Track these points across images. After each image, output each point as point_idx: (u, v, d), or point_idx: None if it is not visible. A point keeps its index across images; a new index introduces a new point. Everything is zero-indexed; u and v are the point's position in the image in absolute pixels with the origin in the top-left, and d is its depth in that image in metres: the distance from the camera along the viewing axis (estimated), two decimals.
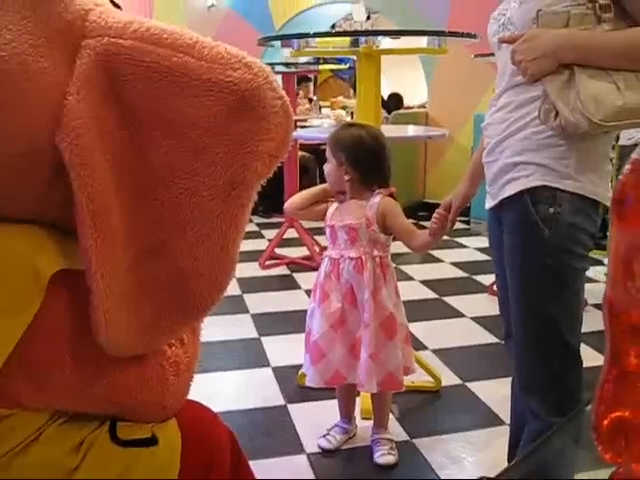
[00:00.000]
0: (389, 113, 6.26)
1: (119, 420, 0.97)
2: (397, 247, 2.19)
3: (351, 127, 2.14)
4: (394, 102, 7.58)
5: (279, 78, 4.88)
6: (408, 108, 7.17)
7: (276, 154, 0.85)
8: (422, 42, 2.63)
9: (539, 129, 1.41)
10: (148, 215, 0.86)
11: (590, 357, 1.59)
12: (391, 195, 2.10)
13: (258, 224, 5.99)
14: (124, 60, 0.80)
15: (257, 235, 5.55)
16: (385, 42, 2.63)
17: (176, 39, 0.81)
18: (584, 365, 1.54)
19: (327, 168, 2.10)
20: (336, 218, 2.12)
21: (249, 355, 3.10)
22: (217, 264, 0.89)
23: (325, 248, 2.24)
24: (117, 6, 0.98)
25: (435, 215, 1.83)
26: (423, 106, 6.72)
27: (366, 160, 2.06)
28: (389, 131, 2.40)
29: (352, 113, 6.92)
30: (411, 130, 2.94)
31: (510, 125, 1.47)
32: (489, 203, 1.60)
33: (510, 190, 1.48)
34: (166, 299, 0.90)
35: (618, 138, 3.42)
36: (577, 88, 1.30)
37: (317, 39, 2.49)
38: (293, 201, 2.18)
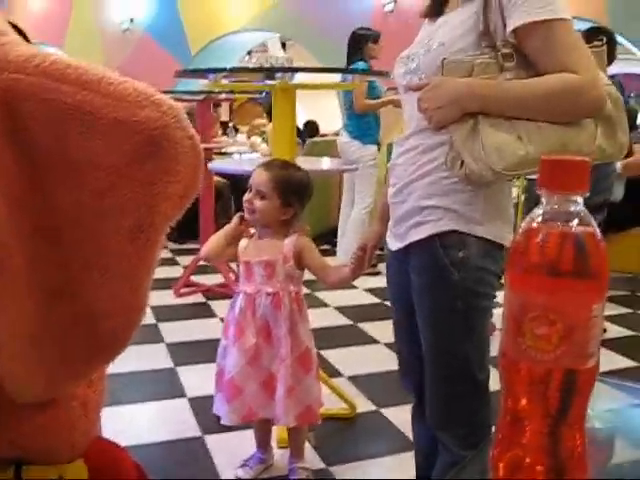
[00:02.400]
0: (304, 141, 6.35)
1: (25, 463, 0.94)
2: (310, 274, 2.22)
3: (289, 167, 2.17)
4: (310, 130, 7.70)
5: (194, 105, 4.89)
6: (324, 135, 7.29)
7: (186, 195, 0.82)
8: (336, 76, 2.71)
9: (447, 174, 1.44)
10: (53, 257, 0.82)
11: (498, 381, 1.66)
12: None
13: (172, 250, 5.94)
14: (25, 97, 0.76)
15: (171, 262, 5.50)
16: (300, 75, 2.69)
17: (81, 75, 0.77)
18: (493, 389, 1.60)
19: (263, 205, 2.06)
20: (251, 254, 2.13)
21: (164, 386, 3.06)
22: (126, 307, 0.85)
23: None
24: (23, 34, 0.93)
25: (352, 256, 1.87)
26: (337, 133, 6.83)
27: (306, 201, 2.13)
28: (304, 164, 2.45)
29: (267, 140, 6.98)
30: (325, 163, 3.00)
31: (418, 168, 1.50)
32: (393, 244, 1.62)
33: (419, 234, 1.51)
34: (74, 343, 0.87)
35: None
36: (481, 138, 1.33)
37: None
38: (209, 247, 2.17)
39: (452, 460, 1.59)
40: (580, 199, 0.57)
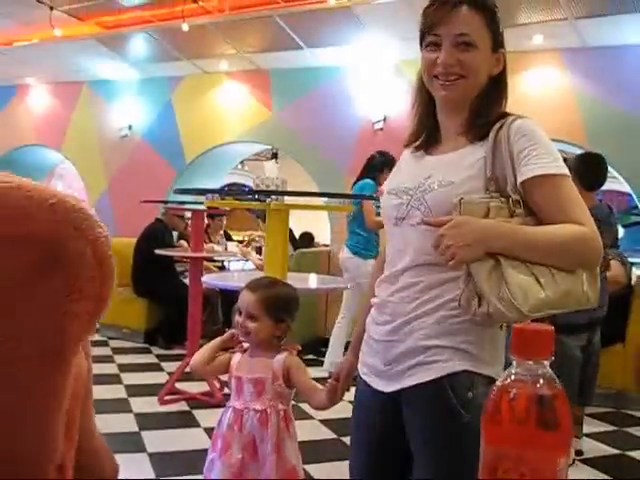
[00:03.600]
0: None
1: None
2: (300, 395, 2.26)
3: (278, 284, 2.24)
4: (305, 240, 7.91)
5: (189, 214, 5.02)
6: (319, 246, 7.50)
7: (96, 311, 0.72)
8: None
9: (453, 313, 1.44)
10: None
11: None
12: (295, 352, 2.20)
13: (158, 355, 5.92)
14: None
15: (156, 367, 5.47)
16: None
17: None
18: None
19: (256, 327, 2.11)
20: (243, 370, 2.17)
21: None
22: (36, 443, 0.74)
23: (225, 383, 2.26)
24: None
25: (327, 385, 1.91)
26: (326, 245, 7.01)
27: (295, 313, 2.20)
28: (295, 282, 2.53)
29: (259, 248, 7.12)
30: (314, 281, 3.10)
31: (419, 306, 1.48)
32: (381, 385, 1.57)
33: (426, 375, 1.48)
34: None
35: None
36: (505, 278, 1.33)
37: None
38: (196, 359, 2.23)
39: None
40: (546, 362, 0.65)
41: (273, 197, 2.48)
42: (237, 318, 2.15)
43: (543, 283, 1.34)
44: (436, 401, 1.47)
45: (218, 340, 2.25)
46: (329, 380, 1.92)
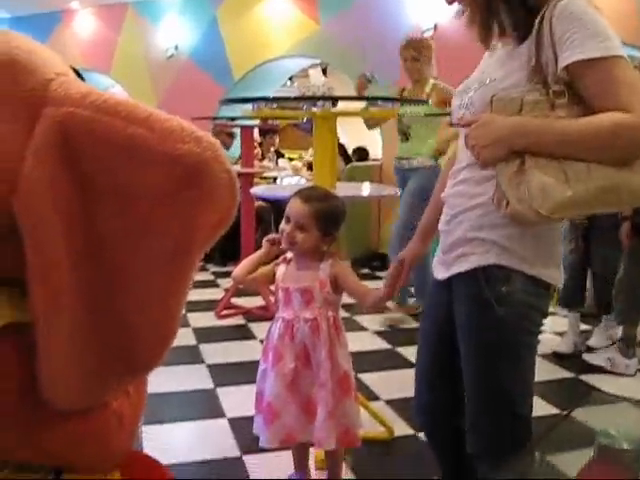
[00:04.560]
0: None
1: (63, 471, 0.98)
2: (350, 299, 2.24)
3: (329, 197, 2.19)
4: (359, 155, 7.78)
5: (239, 130, 4.98)
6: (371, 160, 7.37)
7: (219, 225, 0.89)
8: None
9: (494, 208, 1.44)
10: (95, 275, 0.88)
11: (537, 406, 1.67)
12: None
13: (214, 273, 6.01)
14: (81, 129, 0.83)
15: (212, 284, 5.57)
16: (341, 102, 2.74)
17: (131, 112, 0.84)
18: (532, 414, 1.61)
19: (303, 237, 2.08)
20: (290, 280, 2.16)
21: (204, 406, 3.11)
22: (160, 325, 0.92)
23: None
24: (79, 75, 1.01)
25: (388, 274, 1.88)
26: (377, 159, 6.90)
27: (341, 226, 2.17)
28: (345, 189, 2.49)
29: (310, 164, 7.05)
30: (365, 189, 3.04)
31: (469, 200, 1.50)
32: (439, 271, 1.63)
33: (464, 265, 1.51)
34: (112, 355, 0.92)
35: None
36: (527, 178, 1.31)
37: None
38: (237, 268, 2.23)
39: None
40: None
41: (320, 104, 2.41)
42: (284, 226, 2.11)
43: (573, 181, 1.28)
44: (471, 292, 1.51)
45: (259, 252, 2.24)
46: (389, 270, 1.88)
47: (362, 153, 7.96)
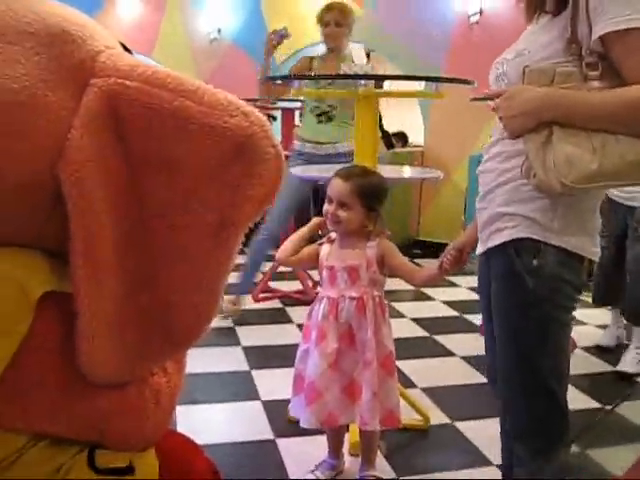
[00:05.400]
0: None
1: (98, 447, 0.98)
2: (389, 285, 2.22)
3: (369, 173, 2.17)
4: (399, 140, 7.66)
5: (280, 113, 4.95)
6: (411, 146, 7.25)
7: (265, 199, 0.89)
8: (419, 85, 2.70)
9: (525, 182, 1.43)
10: (139, 248, 0.89)
11: (578, 400, 1.62)
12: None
13: None
14: (129, 100, 0.84)
15: None
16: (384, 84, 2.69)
17: (179, 84, 0.85)
18: (572, 407, 1.56)
19: (347, 215, 2.06)
20: (335, 259, 2.14)
21: (239, 388, 3.10)
22: (202, 300, 0.92)
23: (318, 282, 2.25)
24: (128, 50, 1.02)
25: (447, 255, 1.84)
26: (418, 146, 6.80)
27: (384, 202, 2.15)
28: (386, 172, 2.44)
29: None
30: (407, 171, 2.98)
31: (500, 175, 1.50)
32: (479, 248, 1.63)
33: (496, 240, 1.51)
34: (151, 330, 0.93)
35: None
36: (554, 149, 1.31)
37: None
38: (281, 250, 2.21)
39: (526, 472, 1.56)
40: None
41: (362, 83, 2.36)
42: (327, 207, 2.10)
43: (600, 153, 1.26)
44: (503, 266, 1.51)
45: (303, 229, 2.22)
46: (449, 251, 1.83)
47: (402, 138, 7.82)
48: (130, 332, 0.92)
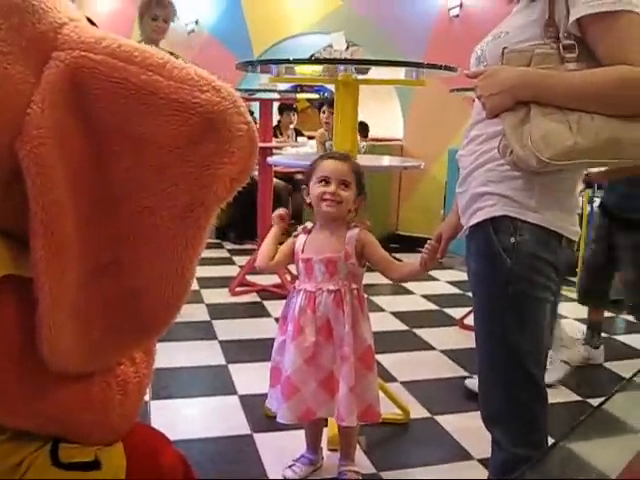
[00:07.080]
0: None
1: (62, 441, 0.94)
2: (368, 278, 2.19)
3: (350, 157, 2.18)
4: (361, 130, 7.58)
5: (257, 104, 4.90)
6: (382, 140, 7.21)
7: (238, 178, 0.85)
8: (400, 74, 2.65)
9: (502, 161, 1.43)
10: (103, 231, 0.84)
11: (562, 394, 1.59)
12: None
13: (230, 250, 5.96)
14: (93, 74, 0.79)
15: (228, 261, 5.50)
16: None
17: (146, 57, 0.80)
18: (558, 401, 1.53)
19: (348, 194, 2.04)
20: (311, 251, 2.09)
21: (215, 382, 3.05)
22: (171, 286, 0.87)
23: (296, 276, 2.20)
24: (93, 24, 0.97)
25: (426, 246, 1.83)
26: (397, 139, 6.77)
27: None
28: (366, 161, 2.40)
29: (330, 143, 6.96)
30: (387, 160, 2.93)
31: (478, 157, 1.50)
32: (462, 232, 1.63)
33: (475, 219, 1.51)
34: (116, 318, 0.88)
35: None
36: (530, 126, 1.31)
37: (296, 66, 2.50)
38: (260, 257, 2.15)
39: (503, 458, 1.54)
40: None
41: (341, 68, 2.30)
42: (324, 188, 2.03)
43: (576, 130, 1.28)
44: (481, 245, 1.51)
45: (273, 229, 2.17)
46: (428, 242, 1.82)
47: (363, 128, 7.72)
48: (94, 319, 0.87)
